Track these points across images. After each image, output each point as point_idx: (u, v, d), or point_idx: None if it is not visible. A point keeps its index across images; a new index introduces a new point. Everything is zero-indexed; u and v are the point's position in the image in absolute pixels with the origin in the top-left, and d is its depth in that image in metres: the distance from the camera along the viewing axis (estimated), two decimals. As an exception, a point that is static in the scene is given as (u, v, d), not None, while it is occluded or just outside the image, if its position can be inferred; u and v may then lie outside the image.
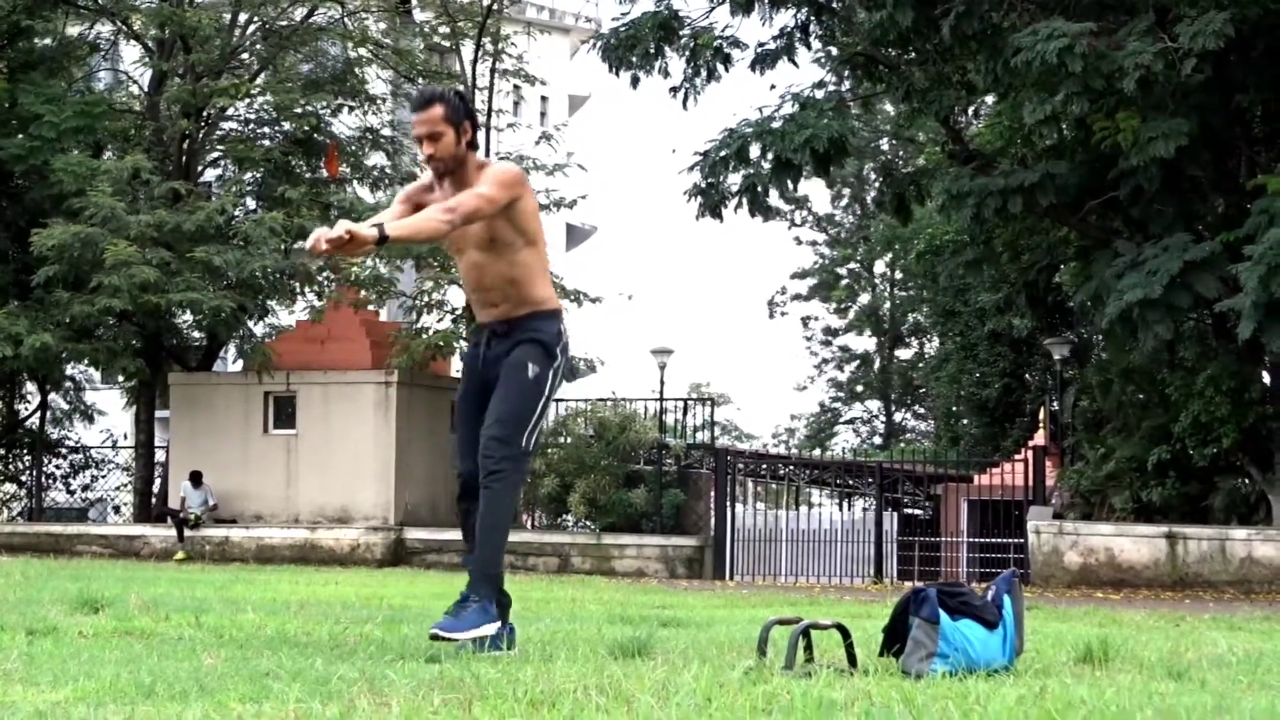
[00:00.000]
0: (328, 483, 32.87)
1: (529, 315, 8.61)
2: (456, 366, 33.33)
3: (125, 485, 38.60)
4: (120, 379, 38.26)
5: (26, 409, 40.20)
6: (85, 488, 39.42)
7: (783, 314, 74.89)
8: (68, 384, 40.66)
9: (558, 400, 33.10)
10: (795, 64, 30.05)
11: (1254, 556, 26.78)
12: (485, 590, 8.20)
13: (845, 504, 45.07)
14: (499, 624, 8.09)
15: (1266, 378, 29.11)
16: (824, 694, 6.14)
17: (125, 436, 41.63)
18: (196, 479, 32.93)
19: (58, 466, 39.43)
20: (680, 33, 29.56)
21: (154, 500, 35.88)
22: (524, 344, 8.56)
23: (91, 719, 5.26)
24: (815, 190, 70.25)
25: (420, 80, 38.14)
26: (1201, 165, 28.15)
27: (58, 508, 38.99)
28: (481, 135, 34.37)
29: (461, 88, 35.48)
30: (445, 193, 8.48)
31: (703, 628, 11.20)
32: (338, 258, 32.93)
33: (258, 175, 35.92)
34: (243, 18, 36.20)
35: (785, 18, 29.83)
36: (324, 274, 34.76)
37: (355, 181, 37.33)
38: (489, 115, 34.70)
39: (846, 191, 71.41)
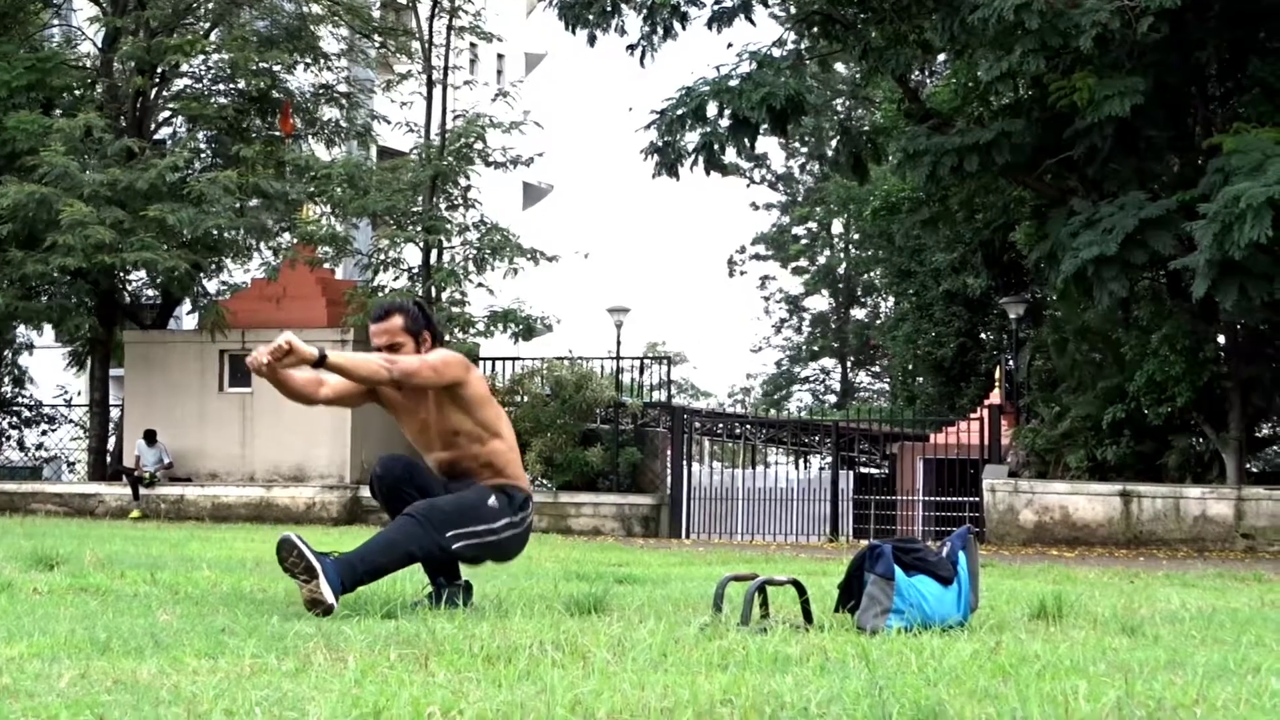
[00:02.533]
0: (283, 441, 32.79)
1: (500, 483, 8.64)
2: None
3: (79, 442, 38.43)
4: (68, 339, 38.01)
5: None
6: (39, 446, 39.26)
7: (741, 273, 75.04)
8: (17, 344, 40.41)
9: (513, 358, 33.10)
10: (752, 22, 30.04)
11: (1207, 515, 26.92)
12: (345, 569, 7.98)
13: (801, 463, 45.13)
14: (334, 604, 7.78)
15: (1221, 337, 29.23)
16: (779, 649, 6.16)
17: (79, 394, 41.44)
18: (151, 437, 32.82)
19: (11, 424, 39.27)
20: (637, -10, 29.47)
21: (109, 458, 35.75)
22: (494, 488, 8.58)
23: (47, 674, 5.25)
24: (773, 150, 70.36)
25: (376, 38, 38.01)
26: (1158, 124, 28.18)
27: (11, 465, 38.82)
28: (437, 93, 34.35)
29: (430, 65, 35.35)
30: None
31: (659, 584, 11.23)
32: (292, 212, 32.98)
33: (212, 133, 35.71)
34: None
35: (743, -26, 29.75)
36: (280, 228, 34.59)
37: (310, 137, 37.16)
38: (445, 73, 34.54)
39: (803, 151, 71.42)
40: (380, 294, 32.30)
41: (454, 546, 8.30)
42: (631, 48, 29.51)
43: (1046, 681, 5.39)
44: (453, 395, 8.47)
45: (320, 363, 7.93)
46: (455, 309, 32.37)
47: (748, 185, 72.64)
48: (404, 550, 8.23)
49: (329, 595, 7.74)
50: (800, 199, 72.49)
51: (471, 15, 35.65)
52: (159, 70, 35.38)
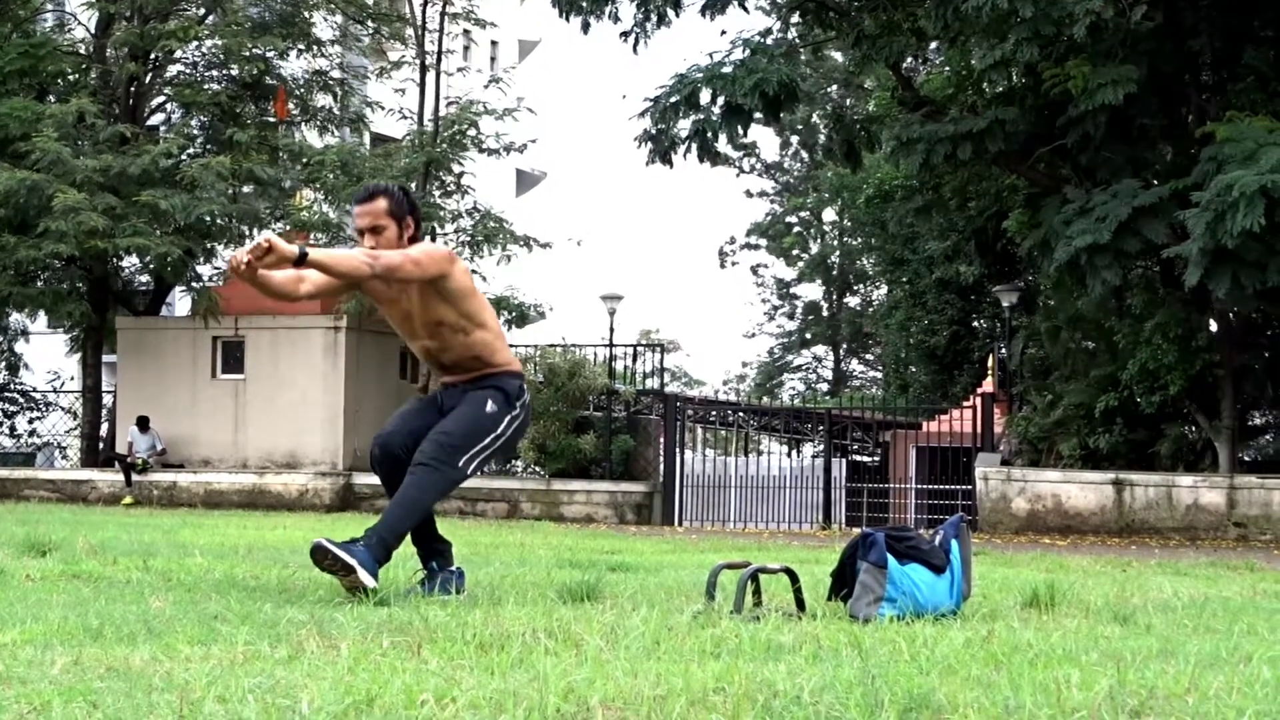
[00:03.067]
0: (276, 428, 32.78)
1: (489, 374, 8.67)
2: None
3: (72, 429, 38.41)
4: (65, 325, 37.98)
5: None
6: (32, 432, 39.23)
7: (733, 264, 75.08)
8: (10, 331, 40.39)
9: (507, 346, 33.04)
10: (745, 9, 30.02)
11: (1200, 503, 26.94)
12: (377, 549, 8.12)
13: (794, 451, 45.18)
14: (376, 585, 7.95)
15: (1213, 326, 29.26)
16: (772, 637, 6.16)
17: (72, 380, 41.42)
18: (144, 424, 32.80)
19: (3, 410, 39.25)
20: (631, -23, 29.47)
21: (101, 445, 35.73)
22: (485, 389, 8.62)
23: (39, 661, 5.25)
24: (764, 139, 70.39)
25: (369, 24, 37.94)
26: (1151, 113, 28.21)
27: (4, 452, 38.80)
28: (430, 79, 34.32)
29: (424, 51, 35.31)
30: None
31: (651, 572, 11.23)
32: (285, 199, 32.95)
33: (205, 119, 35.66)
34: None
35: (736, -39, 29.75)
36: (273, 215, 34.55)
37: (303, 124, 37.11)
38: (438, 59, 34.52)
39: (795, 140, 71.43)
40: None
41: (470, 470, 8.44)
42: (625, 34, 29.53)
43: (1039, 670, 5.39)
44: (436, 288, 8.43)
45: (301, 260, 7.92)
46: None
47: (737, 175, 72.66)
48: (427, 502, 8.38)
49: (370, 580, 7.91)
50: (792, 187, 72.47)
51: (465, 1, 35.63)
52: (152, 56, 35.32)
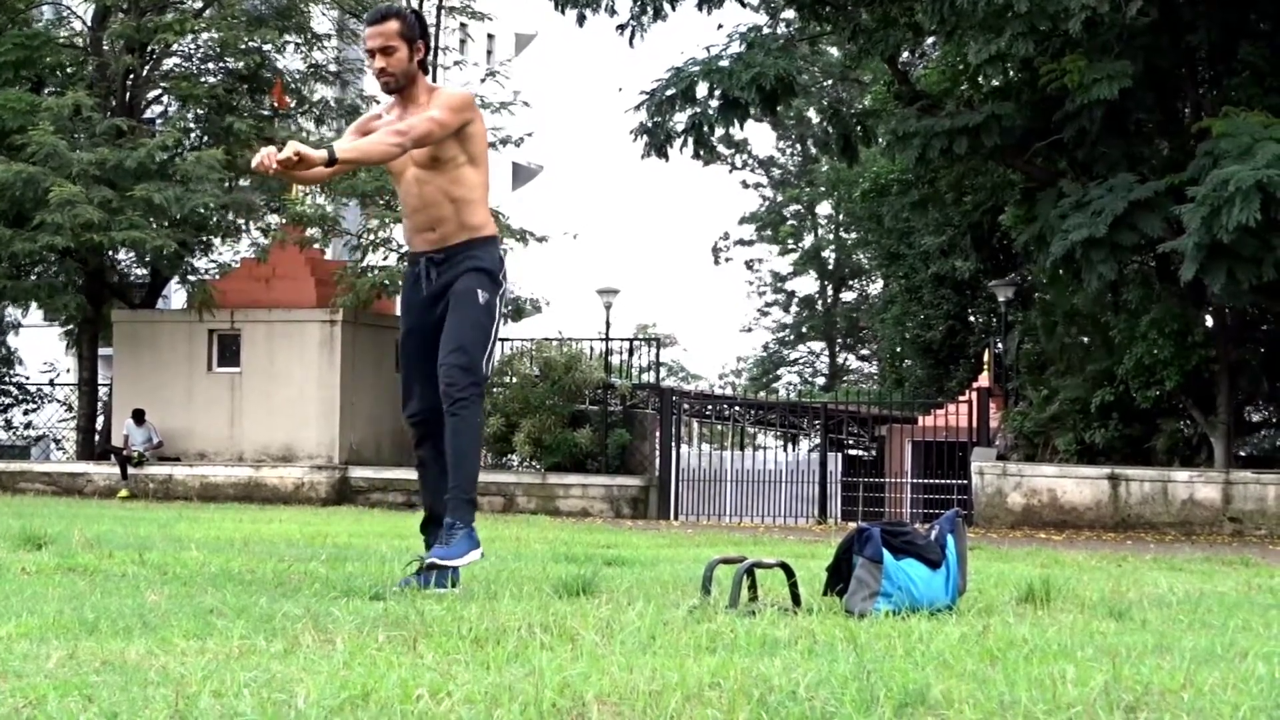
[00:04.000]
0: (272, 421, 32.79)
1: (467, 243, 8.61)
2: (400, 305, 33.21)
3: (67, 422, 38.41)
4: (60, 319, 37.96)
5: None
6: (27, 425, 39.23)
7: (727, 260, 75.08)
8: (5, 323, 40.41)
9: (503, 340, 33.05)
10: (742, 3, 30.06)
11: (1195, 498, 26.95)
12: (466, 515, 8.29)
13: (790, 445, 45.18)
14: (480, 552, 8.20)
15: (1209, 321, 29.28)
16: (768, 632, 6.17)
17: (68, 372, 41.42)
18: (140, 417, 32.80)
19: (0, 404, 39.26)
20: (627, -29, 29.47)
21: (97, 438, 35.74)
22: (468, 273, 8.57)
23: (35, 654, 5.25)
24: (757, 135, 70.37)
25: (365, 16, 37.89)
26: (1147, 107, 28.23)
27: (-1, 445, 38.81)
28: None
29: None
30: (395, 116, 8.50)
31: (647, 566, 11.23)
32: (282, 191, 32.90)
33: (201, 112, 35.64)
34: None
35: (733, -45, 29.78)
36: (269, 204, 34.53)
37: (300, 116, 37.10)
38: (435, 53, 34.51)
39: (791, 134, 71.40)
40: (369, 274, 32.27)
41: (489, 368, 8.62)
42: (621, 28, 29.52)
43: (1034, 665, 5.39)
44: (455, 134, 8.46)
45: (331, 163, 7.97)
46: (445, 289, 32.31)
47: (730, 171, 72.60)
48: (478, 436, 8.49)
49: (476, 555, 8.34)
50: (786, 181, 72.44)
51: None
52: (149, 49, 35.30)
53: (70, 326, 37.97)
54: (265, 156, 7.89)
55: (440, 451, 8.50)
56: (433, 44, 34.22)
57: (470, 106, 8.53)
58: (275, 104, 35.58)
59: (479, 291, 8.52)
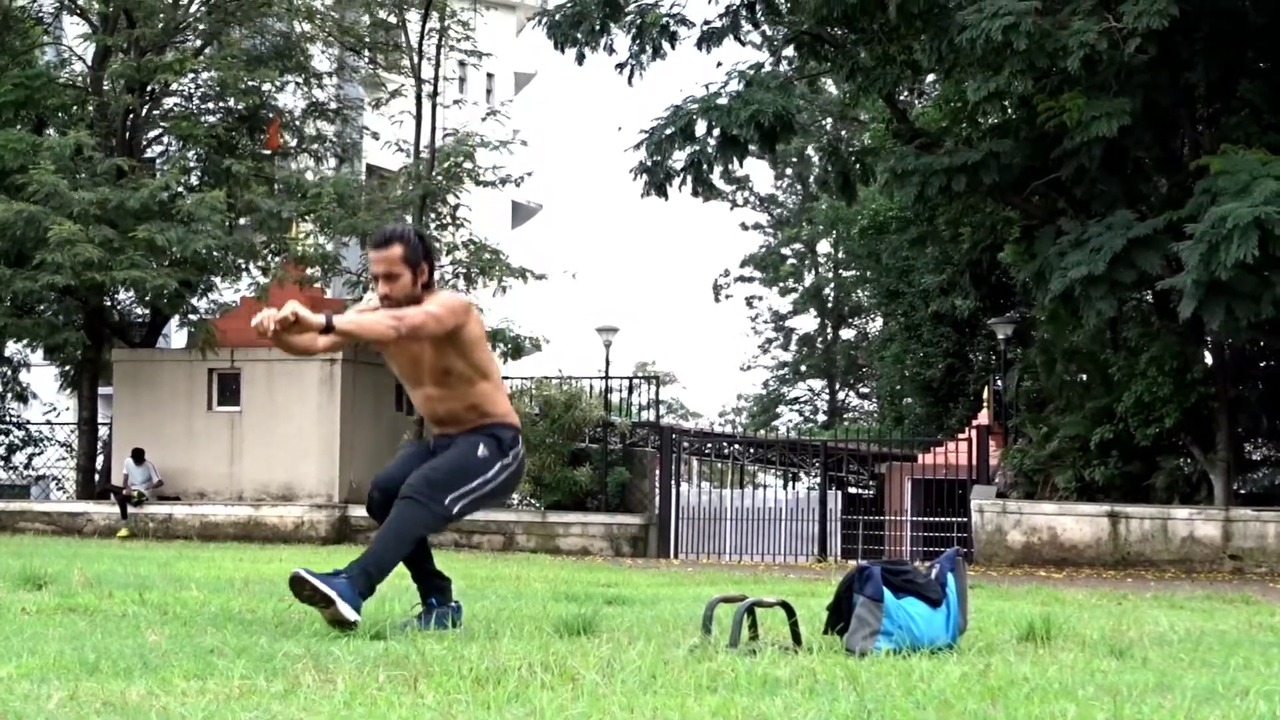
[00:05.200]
0: (272, 460, 32.77)
1: (484, 425, 8.67)
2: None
3: (67, 461, 38.37)
4: (59, 358, 37.93)
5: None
6: (27, 465, 39.19)
7: (727, 297, 75.10)
8: (13, 362, 40.41)
9: (503, 379, 33.03)
10: (741, 42, 30.09)
11: (1195, 536, 26.93)
12: (360, 581, 8.06)
13: (790, 483, 45.14)
14: (357, 619, 7.91)
15: (1208, 358, 29.27)
16: (768, 671, 6.17)
17: (67, 410, 41.40)
18: (139, 456, 32.78)
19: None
20: (626, 9, 29.53)
21: (97, 477, 35.71)
22: (479, 434, 8.61)
23: (36, 695, 5.25)
24: (757, 172, 70.48)
25: (366, 54, 38.01)
26: (1146, 145, 28.27)
27: (-1, 484, 38.78)
28: (426, 111, 34.36)
29: (422, 67, 35.36)
30: None
31: (647, 605, 11.22)
32: (281, 233, 32.95)
33: (201, 152, 35.68)
34: (187, -8, 35.98)
35: (731, -6, 29.82)
36: (269, 249, 34.57)
37: (299, 155, 37.16)
38: (435, 92, 34.57)
39: (790, 172, 71.55)
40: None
41: (455, 510, 8.38)
42: (620, 66, 29.58)
43: (1035, 704, 5.39)
44: (451, 337, 8.46)
45: (328, 329, 7.97)
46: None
47: (731, 208, 72.73)
48: (411, 536, 8.32)
49: (350, 614, 7.85)
50: (786, 220, 72.55)
51: (462, 33, 35.70)
52: (149, 89, 35.36)
53: (68, 367, 37.94)
54: (265, 318, 7.95)
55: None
56: (433, 84, 34.39)
57: (466, 311, 8.57)
58: (268, 145, 35.63)
59: (482, 445, 8.56)
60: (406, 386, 8.88)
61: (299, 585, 7.89)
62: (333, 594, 7.85)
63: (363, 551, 8.27)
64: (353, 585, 7.96)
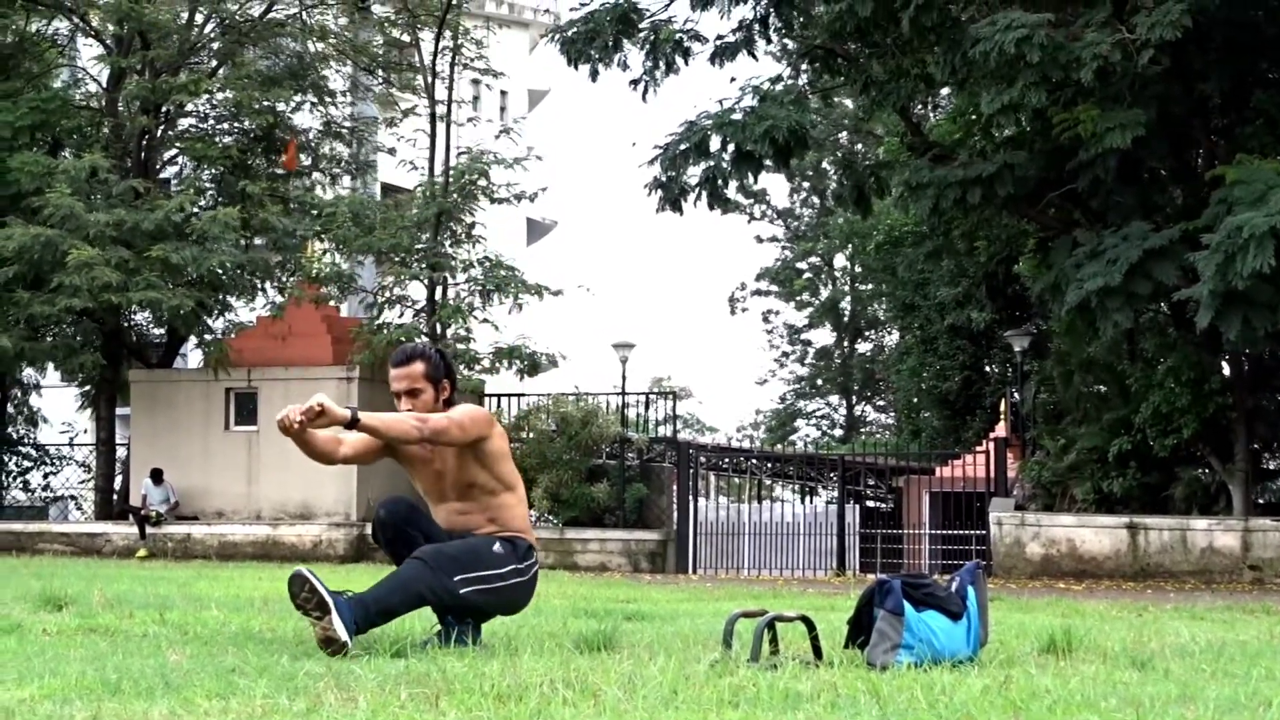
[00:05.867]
0: (289, 479, 32.78)
1: (505, 536, 8.66)
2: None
3: (86, 483, 38.40)
4: (77, 379, 37.97)
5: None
6: (45, 486, 39.24)
7: (743, 310, 75.02)
8: (26, 384, 40.49)
9: (519, 395, 33.07)
10: (754, 57, 30.10)
11: (1214, 546, 26.88)
12: (358, 611, 7.98)
13: (808, 497, 45.11)
14: (349, 641, 7.76)
15: (1226, 368, 29.23)
16: (790, 686, 6.16)
17: (85, 432, 41.46)
18: (157, 476, 32.82)
19: (18, 465, 39.26)
20: (639, 26, 29.55)
21: (115, 498, 35.75)
22: (495, 536, 8.60)
23: (58, 716, 5.25)
24: (774, 186, 70.50)
25: (380, 74, 38.07)
26: (1161, 156, 28.26)
27: (18, 505, 38.79)
28: (441, 129, 34.40)
29: (436, 98, 35.43)
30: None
31: (667, 621, 11.22)
32: (297, 252, 32.99)
33: (216, 172, 35.74)
34: (201, 14, 36.02)
35: (744, 10, 29.84)
36: (284, 269, 34.63)
37: (314, 174, 37.22)
38: (449, 110, 34.61)
39: (805, 186, 71.56)
40: (385, 331, 32.27)
41: (462, 592, 8.27)
42: (635, 82, 29.60)
43: (1058, 717, 5.39)
44: (474, 450, 8.50)
45: (353, 424, 7.97)
46: (460, 345, 32.36)
47: (749, 221, 72.74)
48: (415, 592, 8.22)
49: (342, 633, 7.73)
50: (802, 234, 72.55)
51: (475, 52, 35.75)
52: (164, 110, 35.45)
53: (87, 387, 38.00)
54: (289, 412, 7.96)
55: (399, 555, 8.48)
56: (446, 103, 34.43)
57: (489, 423, 8.60)
58: (286, 166, 35.67)
59: (497, 543, 8.56)
60: (429, 501, 8.84)
61: (299, 585, 7.80)
62: (331, 603, 7.77)
63: (371, 589, 8.19)
64: (351, 609, 7.89)
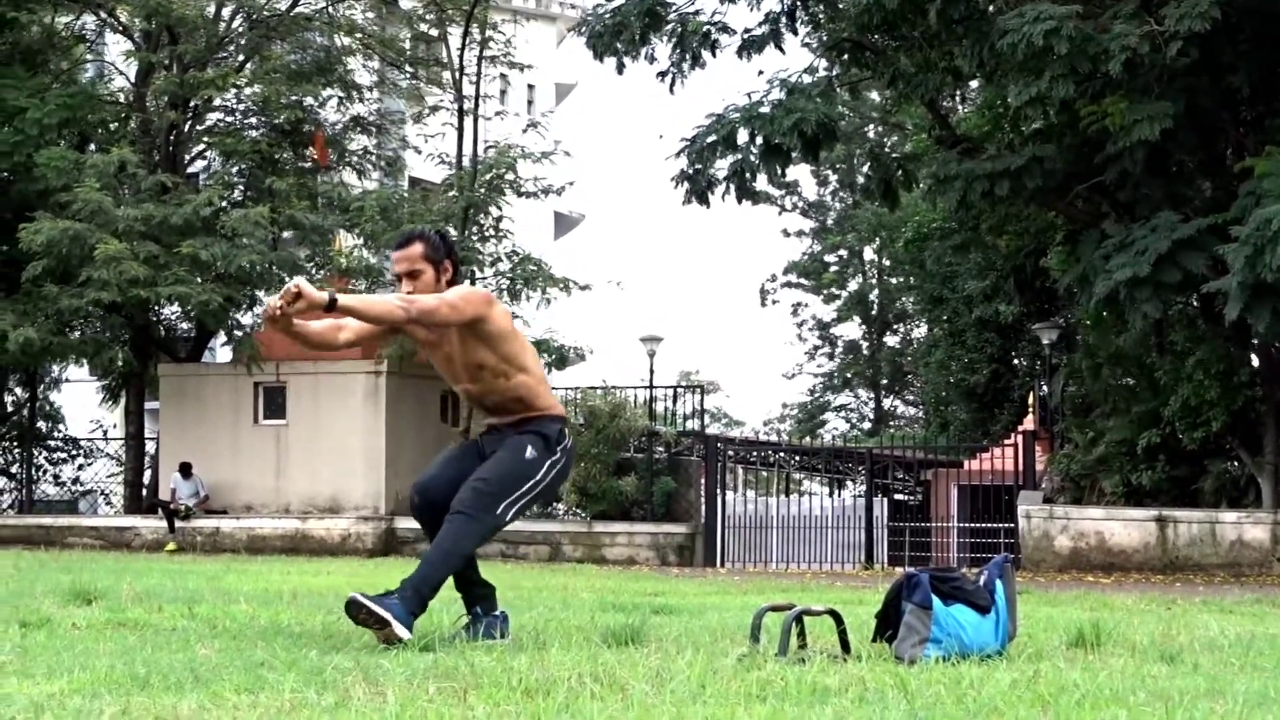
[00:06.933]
0: (318, 473, 32.86)
1: (531, 418, 8.65)
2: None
3: (115, 477, 38.50)
4: (102, 373, 38.06)
5: (15, 401, 40.13)
6: (75, 480, 39.34)
7: (774, 302, 74.91)
8: (50, 378, 40.64)
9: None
10: (782, 50, 30.02)
11: (1244, 539, 26.82)
12: (412, 600, 8.05)
13: (836, 490, 45.09)
14: (409, 636, 7.89)
15: (1255, 360, 29.13)
16: (818, 680, 6.16)
17: (115, 427, 41.56)
18: (186, 470, 32.91)
19: (48, 459, 39.36)
20: (666, 19, 29.51)
21: (144, 492, 35.85)
22: (526, 434, 8.59)
23: (88, 710, 5.26)
24: (805, 177, 70.37)
25: (408, 68, 38.11)
26: (1189, 148, 28.16)
27: (48, 500, 38.91)
28: (468, 124, 34.42)
29: (454, 76, 35.47)
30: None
31: (695, 615, 11.21)
32: (325, 245, 33.03)
33: (244, 167, 35.80)
34: (228, 9, 36.10)
35: (772, 3, 29.82)
36: (312, 263, 34.70)
37: (342, 169, 37.26)
38: (476, 104, 34.64)
39: (834, 179, 71.47)
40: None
41: (509, 517, 8.38)
42: (662, 75, 29.56)
43: (1086, 711, 5.38)
44: (475, 331, 8.41)
45: (331, 306, 7.91)
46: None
47: (779, 213, 72.66)
48: (462, 552, 8.30)
49: (404, 633, 7.84)
50: (831, 226, 72.46)
51: (502, 45, 35.77)
52: (192, 105, 35.52)
53: (108, 381, 38.06)
54: (269, 305, 7.94)
55: (434, 530, 8.50)
56: (474, 97, 34.45)
57: (486, 302, 8.49)
58: (316, 159, 35.71)
59: (529, 448, 8.52)
60: (450, 383, 8.87)
61: (355, 609, 7.88)
62: (387, 616, 7.84)
63: (416, 566, 8.27)
64: (405, 605, 7.96)
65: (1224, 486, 28.60)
